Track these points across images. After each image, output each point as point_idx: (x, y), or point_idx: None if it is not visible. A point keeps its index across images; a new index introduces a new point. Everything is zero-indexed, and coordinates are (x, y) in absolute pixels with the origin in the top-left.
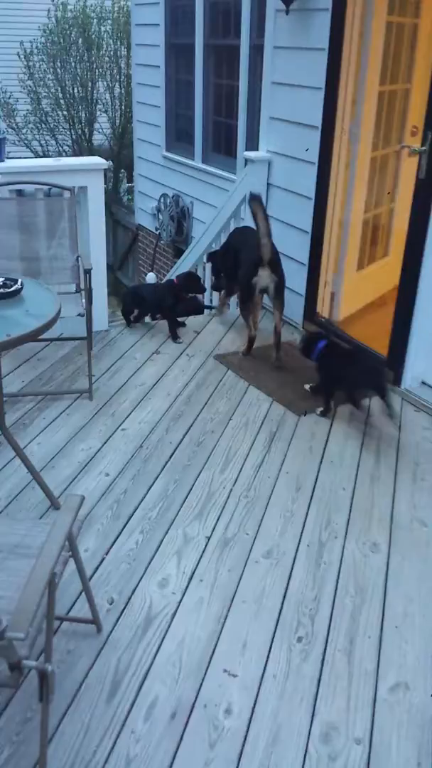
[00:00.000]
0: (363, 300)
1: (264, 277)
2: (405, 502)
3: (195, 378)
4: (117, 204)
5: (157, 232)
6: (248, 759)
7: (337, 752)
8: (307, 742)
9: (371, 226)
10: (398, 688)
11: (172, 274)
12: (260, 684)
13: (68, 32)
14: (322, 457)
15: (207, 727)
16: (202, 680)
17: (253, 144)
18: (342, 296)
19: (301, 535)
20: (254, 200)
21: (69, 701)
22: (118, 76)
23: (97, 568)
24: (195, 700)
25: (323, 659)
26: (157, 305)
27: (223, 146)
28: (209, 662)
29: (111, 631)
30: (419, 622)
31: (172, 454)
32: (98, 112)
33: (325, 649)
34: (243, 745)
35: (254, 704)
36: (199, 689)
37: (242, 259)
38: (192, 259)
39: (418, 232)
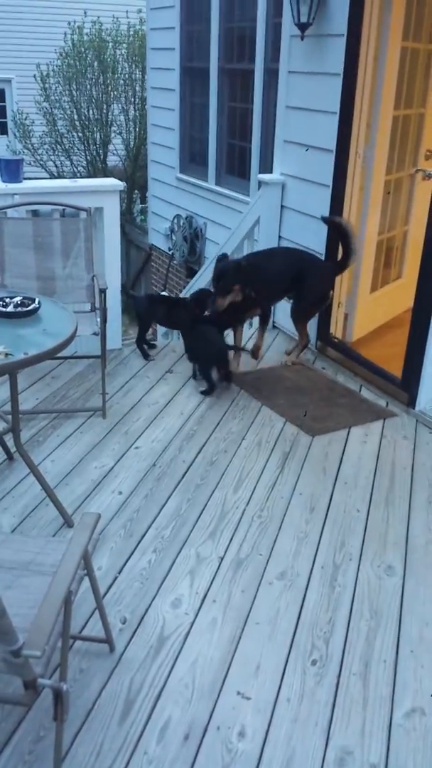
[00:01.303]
0: (377, 321)
1: None
2: (420, 524)
3: (209, 398)
4: (130, 224)
5: (170, 252)
6: None
7: None
8: (322, 766)
9: (385, 248)
10: (414, 713)
11: (186, 293)
12: (274, 707)
13: (84, 55)
14: (336, 478)
15: (220, 750)
16: (216, 702)
17: (266, 166)
18: (355, 317)
19: (315, 557)
20: None
21: (82, 721)
22: (132, 99)
23: (110, 587)
24: (208, 722)
25: (338, 683)
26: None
27: (236, 168)
28: (222, 684)
29: (124, 651)
30: None
31: (185, 473)
32: (113, 134)
33: (339, 673)
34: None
35: (268, 727)
36: (213, 711)
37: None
38: (205, 280)
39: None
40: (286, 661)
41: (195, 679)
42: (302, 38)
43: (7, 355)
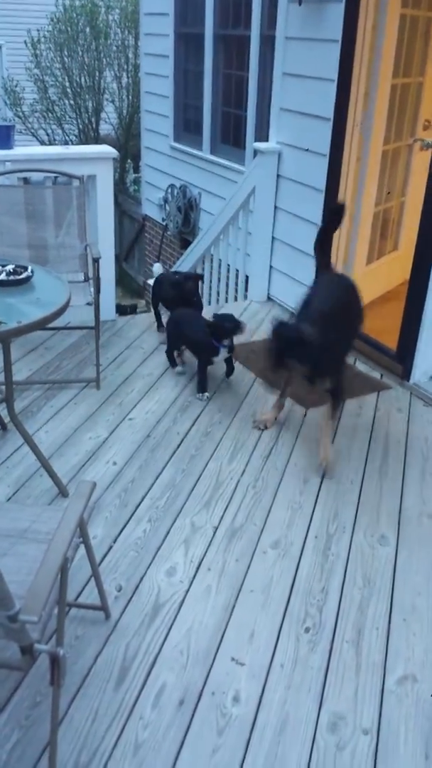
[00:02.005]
0: (373, 293)
1: None
2: (413, 496)
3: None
4: (123, 194)
5: (164, 223)
6: (256, 747)
7: (345, 742)
8: (315, 731)
9: (381, 220)
10: (406, 680)
11: (179, 266)
12: (268, 673)
13: (76, 21)
14: (333, 449)
15: (215, 715)
16: (210, 668)
17: (262, 135)
18: None
19: (308, 527)
20: None
21: (78, 687)
22: (125, 66)
23: (105, 556)
24: (203, 688)
25: (331, 650)
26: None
27: (231, 137)
28: (217, 650)
29: (119, 618)
30: (427, 615)
31: (180, 444)
32: (105, 102)
33: (332, 640)
34: (251, 733)
35: (262, 693)
36: (207, 677)
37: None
38: (199, 252)
39: (429, 225)
40: (280, 628)
41: (190, 645)
42: (300, 3)
43: (0, 323)
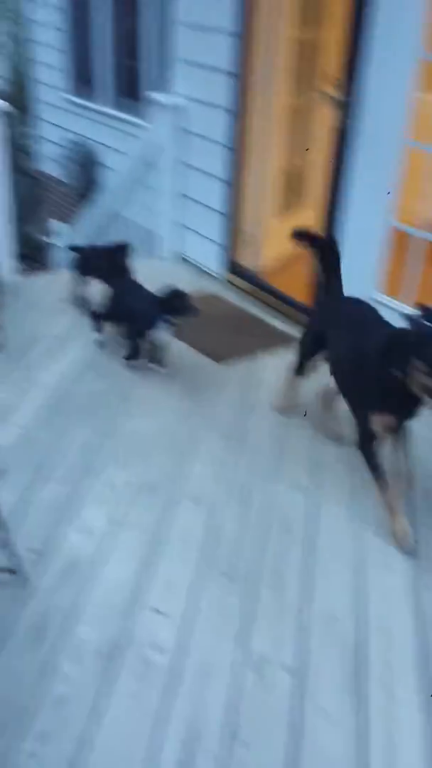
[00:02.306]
0: (285, 250)
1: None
2: (326, 445)
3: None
4: (18, 150)
5: (62, 179)
6: (179, 691)
7: (267, 680)
8: (237, 672)
9: (290, 176)
10: (325, 618)
11: (82, 225)
12: (190, 621)
13: None
14: (248, 403)
15: (136, 664)
16: (131, 620)
17: (161, 87)
18: (262, 247)
19: (227, 480)
20: None
21: None
22: (13, 16)
23: (18, 519)
24: (125, 640)
25: (251, 594)
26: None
27: (130, 90)
28: (137, 602)
29: (36, 580)
30: (343, 556)
31: (92, 404)
32: None
33: (252, 585)
34: (174, 679)
35: (184, 640)
36: (129, 629)
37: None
38: (103, 210)
39: (336, 181)
40: (199, 577)
41: (108, 600)
42: None
43: None
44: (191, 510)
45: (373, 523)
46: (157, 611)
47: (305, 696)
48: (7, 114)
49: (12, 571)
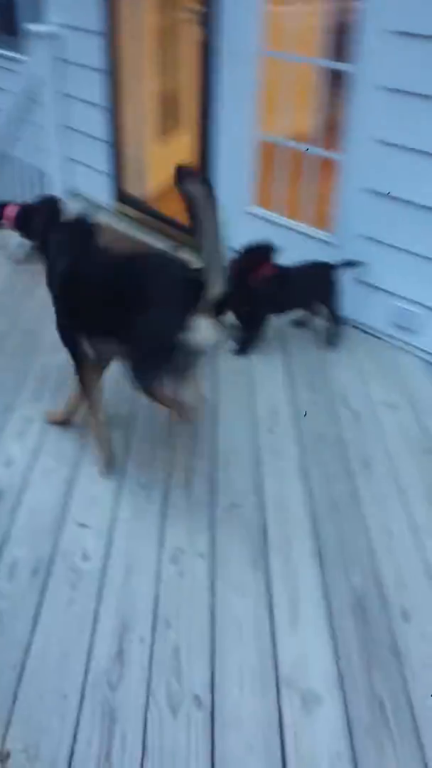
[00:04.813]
0: (165, 174)
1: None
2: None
3: (15, 269)
4: None
5: None
6: (108, 590)
7: (184, 568)
8: (158, 566)
9: (169, 98)
10: (231, 507)
11: None
12: (111, 528)
13: None
14: None
15: (67, 574)
16: (58, 536)
17: (37, 17)
18: (148, 172)
19: (137, 403)
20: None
21: None
22: None
23: None
24: (53, 554)
25: (164, 498)
26: None
27: (6, 25)
28: (62, 520)
29: None
30: (244, 453)
31: (2, 344)
32: None
33: (166, 491)
34: (102, 581)
35: (108, 546)
36: (56, 544)
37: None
38: None
39: (205, 98)
40: (118, 490)
41: (36, 521)
42: None
43: None
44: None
45: (263, 421)
46: (82, 525)
47: (216, 575)
48: None
49: None
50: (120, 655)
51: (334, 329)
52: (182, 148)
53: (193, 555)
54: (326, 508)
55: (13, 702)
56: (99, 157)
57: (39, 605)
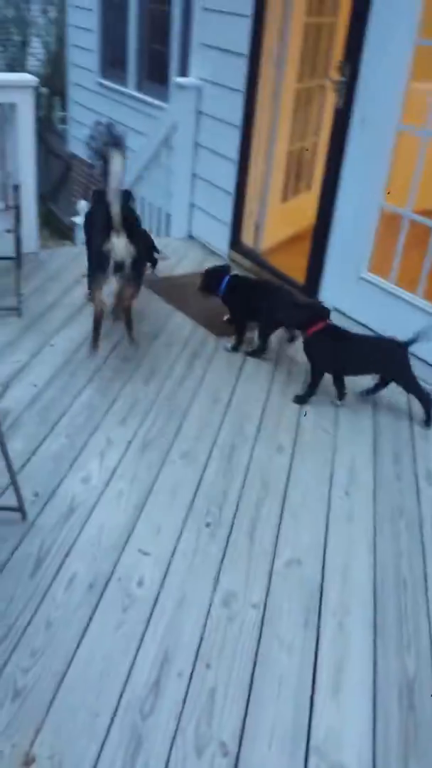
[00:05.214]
0: (287, 231)
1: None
2: (311, 412)
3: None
4: (50, 132)
5: (90, 161)
6: (156, 620)
7: (235, 614)
8: (209, 606)
9: (297, 159)
10: (292, 563)
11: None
12: (170, 560)
13: None
14: (239, 373)
15: (121, 596)
16: (119, 558)
17: (186, 71)
18: (266, 226)
19: (215, 440)
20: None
21: None
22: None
23: (24, 466)
24: (111, 575)
25: (228, 540)
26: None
27: (157, 74)
28: (126, 543)
29: (35, 519)
30: (313, 511)
31: (99, 368)
32: (32, 36)
33: (230, 533)
34: (152, 610)
35: (164, 577)
36: (115, 565)
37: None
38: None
39: (334, 162)
40: (184, 524)
41: (101, 540)
42: None
43: None
44: (181, 465)
45: (340, 484)
46: (143, 552)
47: (265, 627)
48: (39, 93)
49: (17, 510)
50: (157, 685)
51: (425, 407)
52: (303, 207)
53: (246, 602)
54: (391, 582)
55: (48, 709)
56: (221, 206)
57: (89, 621)
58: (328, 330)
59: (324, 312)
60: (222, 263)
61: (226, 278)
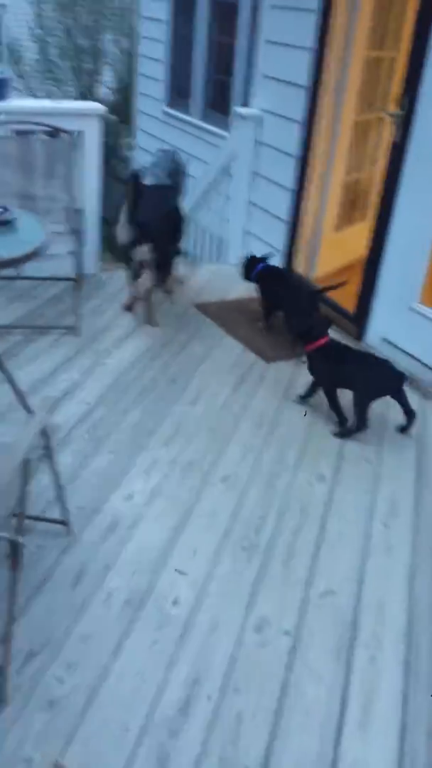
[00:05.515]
0: (340, 260)
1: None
2: (354, 441)
3: (175, 323)
4: (117, 159)
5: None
6: (189, 641)
7: (267, 640)
8: (241, 630)
9: (352, 190)
10: (326, 593)
11: None
12: (206, 582)
13: None
14: (285, 399)
15: (156, 614)
16: (156, 576)
17: (248, 102)
18: (319, 255)
19: (256, 465)
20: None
21: (37, 587)
22: (125, 29)
23: (71, 481)
24: (148, 592)
25: (263, 566)
26: None
27: (220, 104)
28: (163, 562)
29: (79, 533)
30: (352, 542)
31: (148, 388)
32: (104, 65)
33: (266, 558)
34: (186, 630)
35: (199, 598)
36: (152, 584)
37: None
38: None
39: (389, 195)
40: (220, 547)
41: (140, 558)
42: None
43: None
44: (221, 488)
45: (380, 516)
46: (180, 572)
47: (296, 656)
48: (106, 120)
49: (62, 524)
50: (186, 705)
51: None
52: (358, 237)
53: (278, 630)
54: (426, 619)
55: (81, 719)
56: (275, 234)
57: (124, 637)
58: (329, 347)
59: (324, 328)
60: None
61: (260, 265)
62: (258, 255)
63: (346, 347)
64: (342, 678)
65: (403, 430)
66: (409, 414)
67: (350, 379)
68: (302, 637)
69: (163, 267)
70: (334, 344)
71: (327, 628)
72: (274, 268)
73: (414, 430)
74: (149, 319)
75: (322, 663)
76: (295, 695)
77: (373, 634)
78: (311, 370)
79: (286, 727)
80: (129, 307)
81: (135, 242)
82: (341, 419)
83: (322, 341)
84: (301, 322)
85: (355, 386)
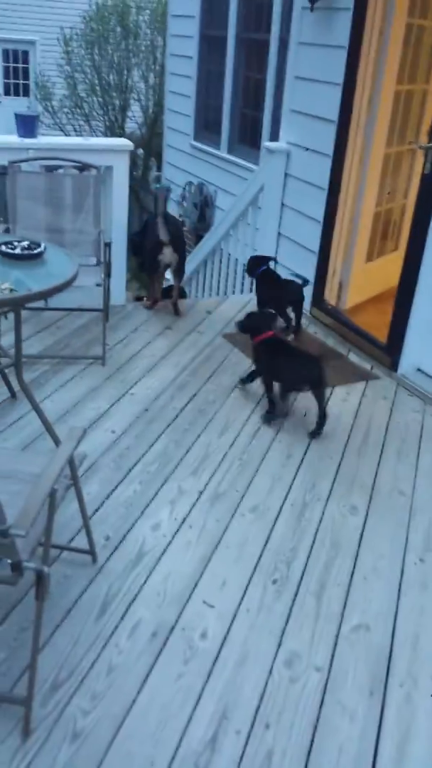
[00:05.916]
0: (371, 291)
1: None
2: (387, 473)
3: (203, 353)
4: (145, 191)
5: (181, 219)
6: (217, 676)
7: (298, 676)
8: (272, 665)
9: (383, 221)
10: (360, 628)
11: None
12: (234, 615)
13: (107, 19)
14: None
15: (183, 647)
16: (183, 608)
17: (276, 136)
18: (349, 286)
19: (286, 496)
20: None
21: (62, 617)
22: (153, 66)
23: (97, 510)
24: (175, 624)
25: (294, 599)
26: None
27: (248, 137)
28: (191, 594)
29: (105, 563)
30: (386, 576)
31: (175, 418)
32: (132, 100)
33: (296, 592)
34: (214, 664)
35: (227, 632)
36: (180, 615)
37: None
38: (209, 246)
39: (421, 225)
40: (250, 579)
41: (166, 589)
42: (312, 10)
43: (11, 290)
44: (250, 519)
45: (414, 550)
46: (208, 604)
47: (328, 692)
48: (133, 155)
49: (88, 553)
50: (213, 741)
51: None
52: (390, 268)
53: (310, 665)
54: None
55: (106, 752)
56: (304, 265)
57: (150, 669)
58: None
59: (269, 323)
60: (268, 255)
61: (263, 267)
62: (263, 255)
63: (282, 343)
64: (376, 715)
65: (313, 434)
66: (322, 416)
67: (277, 371)
68: (334, 673)
69: (179, 270)
70: (275, 339)
71: (360, 664)
72: (272, 272)
73: None
74: (174, 310)
75: (355, 700)
76: (327, 732)
77: (408, 672)
78: (254, 360)
79: (318, 765)
80: (150, 306)
81: (162, 245)
82: (270, 407)
83: (267, 335)
84: (251, 317)
85: (280, 377)
